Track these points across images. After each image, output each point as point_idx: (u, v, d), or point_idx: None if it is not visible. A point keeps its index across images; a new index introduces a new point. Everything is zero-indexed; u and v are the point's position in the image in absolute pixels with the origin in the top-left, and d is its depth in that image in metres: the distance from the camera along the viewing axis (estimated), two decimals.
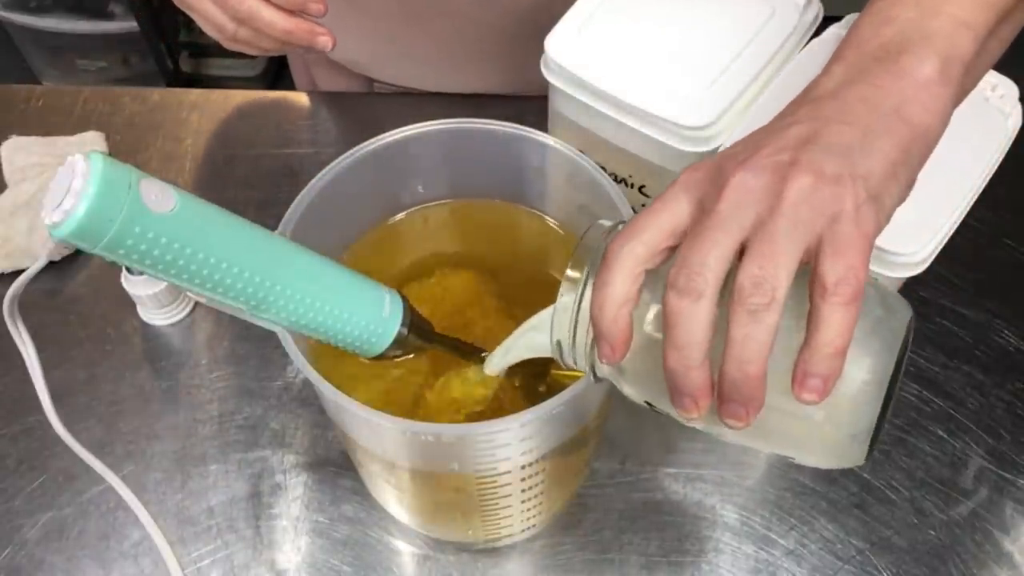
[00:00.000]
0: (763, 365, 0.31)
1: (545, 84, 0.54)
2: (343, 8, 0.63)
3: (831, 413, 0.32)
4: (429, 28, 0.76)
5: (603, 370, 0.39)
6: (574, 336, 0.38)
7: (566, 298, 0.37)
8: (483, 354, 0.49)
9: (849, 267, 0.31)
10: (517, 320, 0.46)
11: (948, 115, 0.35)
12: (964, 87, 0.37)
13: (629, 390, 0.38)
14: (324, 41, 0.56)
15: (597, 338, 0.35)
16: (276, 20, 0.54)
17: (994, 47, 0.39)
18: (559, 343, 0.39)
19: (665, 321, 0.32)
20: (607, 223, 0.39)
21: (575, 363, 0.40)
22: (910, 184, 0.35)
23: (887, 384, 0.31)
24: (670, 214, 0.34)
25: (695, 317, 0.31)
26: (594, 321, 0.35)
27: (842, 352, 0.30)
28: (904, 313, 0.33)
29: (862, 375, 0.31)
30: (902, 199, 0.35)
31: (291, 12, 0.54)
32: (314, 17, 0.55)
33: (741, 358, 0.31)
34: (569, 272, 0.37)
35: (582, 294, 0.37)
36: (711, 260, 0.31)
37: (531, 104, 0.61)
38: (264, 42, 0.56)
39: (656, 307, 0.34)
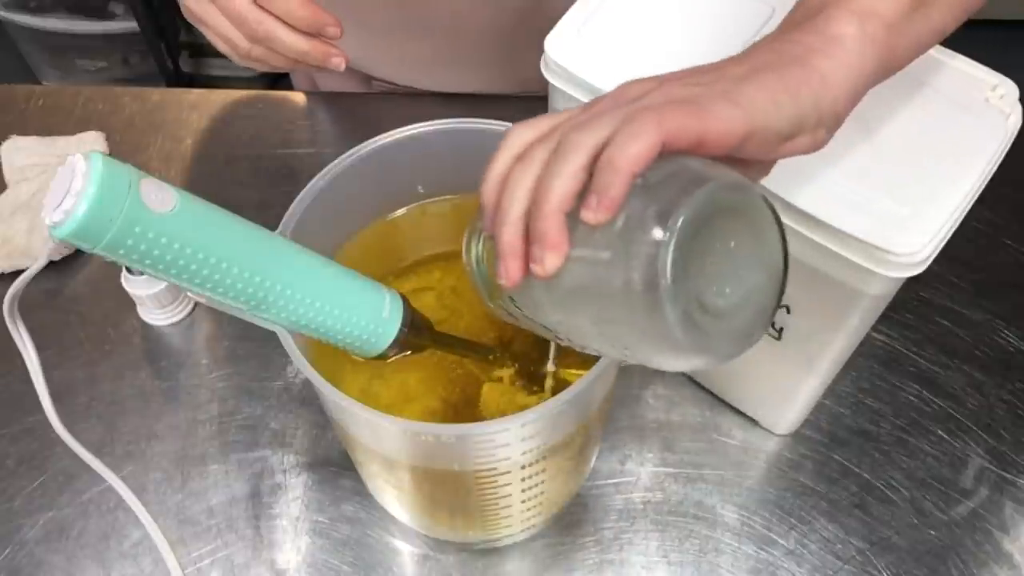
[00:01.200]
0: (557, 203, 0.32)
1: (545, 84, 0.54)
2: (340, 15, 0.63)
3: (619, 255, 0.31)
4: (428, 34, 0.75)
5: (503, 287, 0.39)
6: (479, 253, 0.40)
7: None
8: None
9: (653, 105, 0.32)
10: None
11: (863, 68, 0.36)
12: (893, 47, 0.38)
13: (506, 301, 0.39)
14: (337, 61, 0.56)
15: (482, 213, 0.36)
16: (293, 41, 0.54)
17: (936, 17, 0.40)
18: (473, 268, 0.41)
19: (505, 182, 0.34)
20: None
21: (482, 283, 0.41)
22: (802, 122, 0.35)
23: (684, 241, 0.30)
24: (567, 115, 0.36)
25: (520, 179, 0.33)
26: (481, 196, 0.36)
27: (620, 168, 0.30)
28: (726, 176, 0.32)
29: (652, 212, 0.31)
30: (789, 131, 0.35)
31: (307, 33, 0.54)
32: (330, 39, 0.55)
33: (539, 193, 0.32)
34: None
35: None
36: (560, 134, 0.33)
37: (531, 104, 0.61)
38: (277, 60, 0.56)
39: None
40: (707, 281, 0.31)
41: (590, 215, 0.31)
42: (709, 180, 0.31)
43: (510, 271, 0.34)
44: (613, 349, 0.36)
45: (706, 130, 0.32)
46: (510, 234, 0.33)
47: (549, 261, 0.32)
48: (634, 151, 0.31)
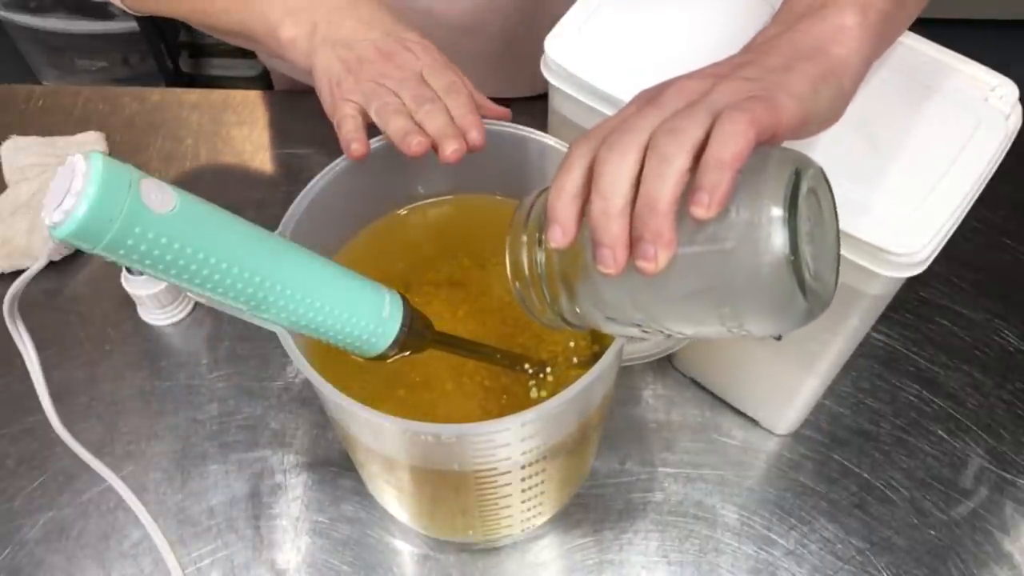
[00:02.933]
0: (669, 201, 0.34)
1: (545, 84, 0.54)
2: None
3: (740, 242, 0.34)
4: (427, 36, 0.75)
5: (569, 305, 0.40)
6: (530, 266, 0.41)
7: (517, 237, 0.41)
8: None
9: (745, 106, 0.34)
10: (516, 310, 0.46)
11: (866, 53, 0.40)
12: (885, 35, 0.42)
13: (584, 303, 0.40)
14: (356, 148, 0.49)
15: (549, 222, 0.37)
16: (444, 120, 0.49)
17: (911, 8, 0.45)
18: (518, 286, 0.41)
19: (594, 172, 0.36)
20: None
21: (532, 298, 0.42)
22: (834, 105, 0.39)
23: (792, 216, 0.33)
24: (622, 116, 0.38)
25: (621, 169, 0.35)
26: (550, 206, 0.37)
27: (727, 166, 0.33)
28: (796, 154, 0.36)
29: (761, 198, 0.34)
30: (826, 114, 0.39)
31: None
32: (469, 145, 0.49)
33: (649, 195, 0.34)
34: (516, 214, 0.42)
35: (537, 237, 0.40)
36: (643, 125, 0.36)
37: (531, 104, 0.61)
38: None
39: None
40: (808, 248, 0.35)
41: (702, 211, 0.33)
42: (793, 160, 0.35)
43: (618, 260, 0.35)
44: (715, 327, 0.37)
45: (779, 123, 0.35)
46: (618, 227, 0.35)
47: (662, 257, 0.34)
48: (737, 149, 0.33)
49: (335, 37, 0.53)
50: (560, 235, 0.37)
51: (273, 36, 0.55)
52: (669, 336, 0.41)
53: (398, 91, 0.51)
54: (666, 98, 0.37)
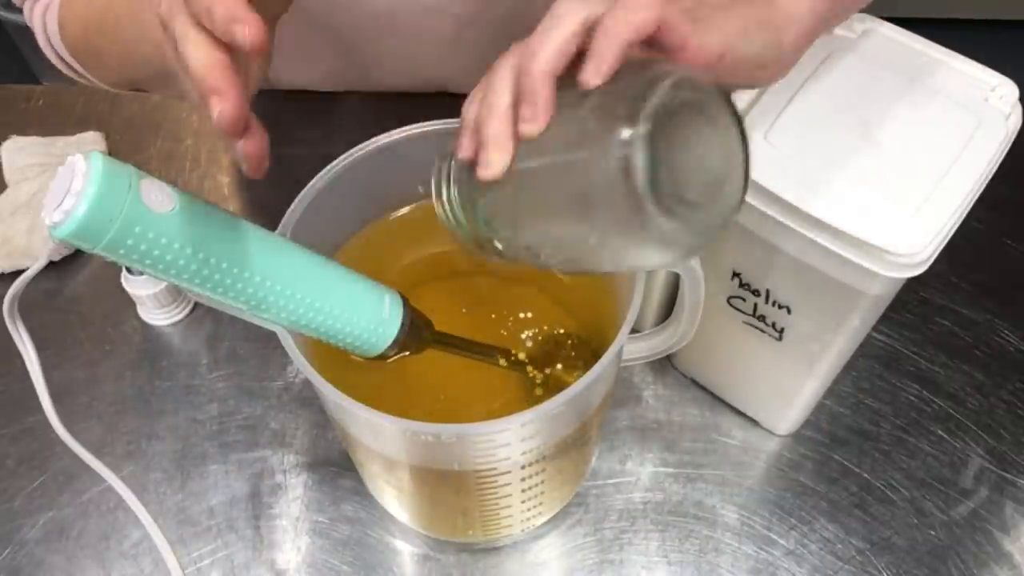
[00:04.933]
0: (549, 62, 0.34)
1: None
2: (337, 17, 0.62)
3: (594, 148, 0.33)
4: (425, 35, 0.75)
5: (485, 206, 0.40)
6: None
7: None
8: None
9: (648, 3, 0.34)
10: (516, 310, 0.46)
11: (816, 11, 0.41)
12: (834, 9, 0.43)
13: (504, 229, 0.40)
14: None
15: (462, 134, 0.38)
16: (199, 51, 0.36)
17: None
18: (447, 209, 0.42)
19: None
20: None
21: (458, 220, 0.42)
22: (766, 53, 0.40)
23: (653, 128, 0.33)
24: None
25: (503, 76, 0.36)
26: (464, 118, 0.38)
27: (616, 37, 0.34)
28: (685, 75, 0.35)
29: (618, 106, 0.33)
30: (754, 60, 0.40)
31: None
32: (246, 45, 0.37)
33: (532, 53, 0.35)
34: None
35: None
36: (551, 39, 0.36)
37: None
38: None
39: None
40: (677, 172, 0.34)
41: (587, 76, 0.34)
42: (672, 74, 0.34)
43: (493, 162, 0.35)
44: (590, 253, 0.37)
45: (688, 36, 0.36)
46: (498, 122, 0.35)
47: (542, 119, 0.34)
48: (623, 21, 0.34)
49: None
50: (471, 138, 0.37)
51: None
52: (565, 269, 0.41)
53: None
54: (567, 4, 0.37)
